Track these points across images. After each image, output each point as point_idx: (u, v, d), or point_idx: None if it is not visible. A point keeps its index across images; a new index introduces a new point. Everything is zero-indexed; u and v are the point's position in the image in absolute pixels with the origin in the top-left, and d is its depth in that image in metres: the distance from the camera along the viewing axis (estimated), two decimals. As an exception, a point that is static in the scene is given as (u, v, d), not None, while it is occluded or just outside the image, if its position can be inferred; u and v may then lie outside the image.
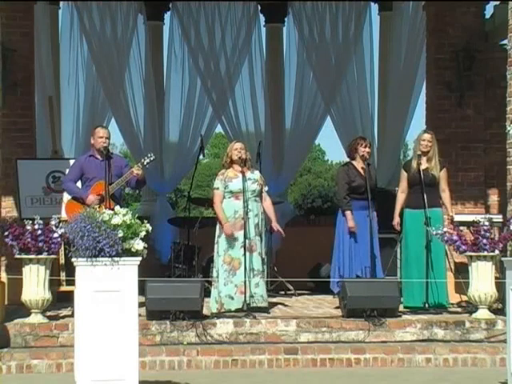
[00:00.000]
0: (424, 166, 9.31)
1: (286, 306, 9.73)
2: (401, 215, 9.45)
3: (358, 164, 9.54)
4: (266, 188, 9.26)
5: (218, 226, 9.14)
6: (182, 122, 12.92)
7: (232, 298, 8.92)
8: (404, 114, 12.95)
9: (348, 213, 9.33)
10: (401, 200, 9.47)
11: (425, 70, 11.75)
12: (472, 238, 8.72)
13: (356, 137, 10.01)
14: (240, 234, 8.95)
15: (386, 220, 9.51)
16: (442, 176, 9.39)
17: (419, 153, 9.33)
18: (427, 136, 9.40)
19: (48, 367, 7.84)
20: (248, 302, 8.78)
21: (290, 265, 10.89)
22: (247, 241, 8.89)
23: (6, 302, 8.81)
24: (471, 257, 8.69)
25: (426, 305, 9.09)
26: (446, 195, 9.41)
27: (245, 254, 8.84)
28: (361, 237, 9.32)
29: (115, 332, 6.25)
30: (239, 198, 9.01)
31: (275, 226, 9.28)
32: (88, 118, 12.52)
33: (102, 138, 9.13)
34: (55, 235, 8.21)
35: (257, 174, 9.23)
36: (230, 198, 9.07)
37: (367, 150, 9.53)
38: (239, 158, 9.09)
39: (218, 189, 9.13)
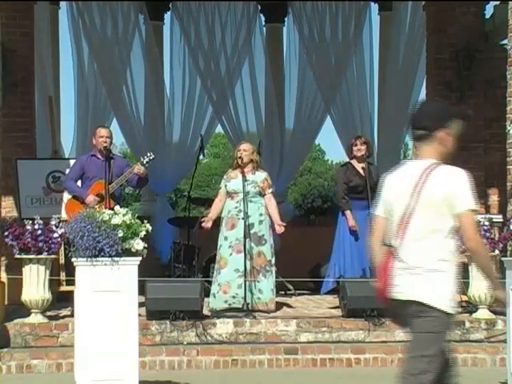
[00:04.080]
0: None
1: (285, 306, 9.73)
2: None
3: (357, 164, 9.55)
4: (269, 190, 9.24)
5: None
6: (182, 122, 12.91)
7: (214, 296, 8.95)
8: (404, 113, 12.89)
9: (348, 212, 9.41)
10: None
11: (425, 69, 11.74)
12: (472, 237, 8.69)
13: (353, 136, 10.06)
14: (230, 234, 8.98)
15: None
16: None
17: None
18: None
19: (48, 367, 7.84)
20: (248, 302, 8.77)
21: (290, 265, 10.86)
22: (238, 241, 8.90)
23: (6, 302, 8.80)
24: (471, 257, 8.66)
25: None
26: None
27: (245, 252, 8.82)
28: (361, 236, 9.33)
29: (115, 332, 6.26)
30: (234, 198, 9.07)
31: (279, 224, 9.18)
32: (89, 118, 12.50)
33: (102, 137, 9.15)
34: (55, 235, 8.21)
35: (259, 176, 9.19)
36: (228, 197, 9.15)
37: (359, 147, 9.54)
38: (241, 158, 9.12)
39: (220, 188, 9.35)
